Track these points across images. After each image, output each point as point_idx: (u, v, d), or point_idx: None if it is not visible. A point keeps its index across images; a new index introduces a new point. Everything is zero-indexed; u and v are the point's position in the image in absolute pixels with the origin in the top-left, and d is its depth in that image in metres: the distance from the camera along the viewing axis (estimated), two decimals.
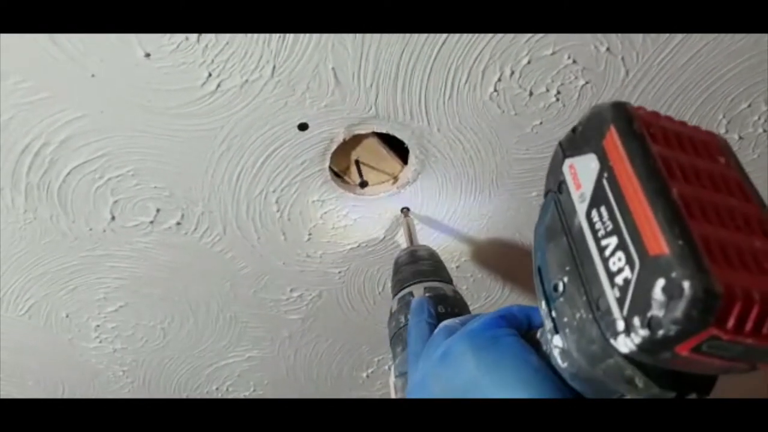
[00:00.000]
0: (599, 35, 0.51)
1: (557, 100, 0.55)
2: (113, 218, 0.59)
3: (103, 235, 0.60)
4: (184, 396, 0.85)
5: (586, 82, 0.54)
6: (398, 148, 0.60)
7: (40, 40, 0.45)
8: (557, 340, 0.28)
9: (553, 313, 0.27)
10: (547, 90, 0.54)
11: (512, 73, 0.52)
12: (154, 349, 0.77)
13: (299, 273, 0.69)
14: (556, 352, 0.28)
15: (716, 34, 0.53)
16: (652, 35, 0.52)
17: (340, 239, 0.65)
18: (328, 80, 0.50)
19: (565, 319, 0.27)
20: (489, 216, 0.66)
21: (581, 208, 0.27)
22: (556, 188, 0.29)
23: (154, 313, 0.71)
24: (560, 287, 0.27)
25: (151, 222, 0.60)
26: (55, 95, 0.48)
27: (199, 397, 0.86)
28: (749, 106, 0.59)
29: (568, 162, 0.28)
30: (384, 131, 0.56)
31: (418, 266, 0.55)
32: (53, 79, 0.47)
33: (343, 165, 0.61)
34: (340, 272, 0.69)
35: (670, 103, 0.58)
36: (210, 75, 0.49)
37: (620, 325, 0.23)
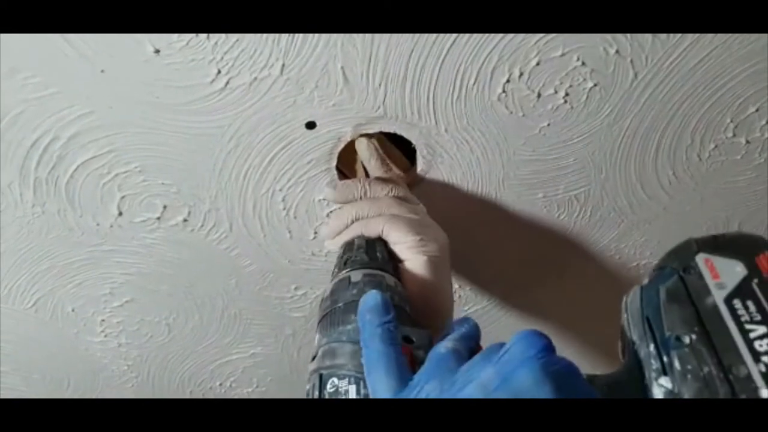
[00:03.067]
0: (608, 38, 0.51)
1: (565, 101, 0.55)
2: (120, 214, 0.59)
3: (110, 231, 0.61)
4: (187, 391, 0.85)
5: (595, 84, 0.54)
6: (405, 149, 0.60)
7: (49, 36, 0.45)
8: (664, 381, 0.34)
9: (667, 359, 0.34)
10: (556, 92, 0.54)
11: (521, 74, 0.52)
12: (159, 345, 0.77)
13: (304, 271, 0.69)
14: (657, 390, 0.34)
15: (725, 38, 0.52)
16: (662, 38, 0.52)
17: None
18: (337, 79, 0.51)
19: (689, 367, 0.33)
20: (495, 218, 0.66)
21: (718, 294, 0.35)
22: (681, 269, 0.38)
23: (160, 308, 0.71)
24: (686, 340, 0.34)
25: (158, 218, 0.60)
26: (64, 91, 0.48)
27: (202, 392, 0.86)
28: (757, 110, 0.59)
29: (703, 256, 0.38)
30: (392, 131, 0.56)
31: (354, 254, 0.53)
32: (62, 74, 0.47)
33: (350, 164, 0.61)
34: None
35: (678, 107, 0.58)
36: (219, 72, 0.49)
37: (764, 393, 0.31)
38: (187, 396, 0.86)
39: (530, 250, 0.72)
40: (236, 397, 0.88)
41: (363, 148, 0.58)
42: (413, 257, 0.54)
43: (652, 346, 0.35)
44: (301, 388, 0.88)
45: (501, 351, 0.35)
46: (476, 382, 0.34)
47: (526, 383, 0.32)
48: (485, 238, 0.69)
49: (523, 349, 0.34)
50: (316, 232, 0.64)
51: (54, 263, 0.63)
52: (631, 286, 0.79)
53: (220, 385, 0.85)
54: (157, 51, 0.47)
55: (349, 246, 0.55)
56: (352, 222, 0.56)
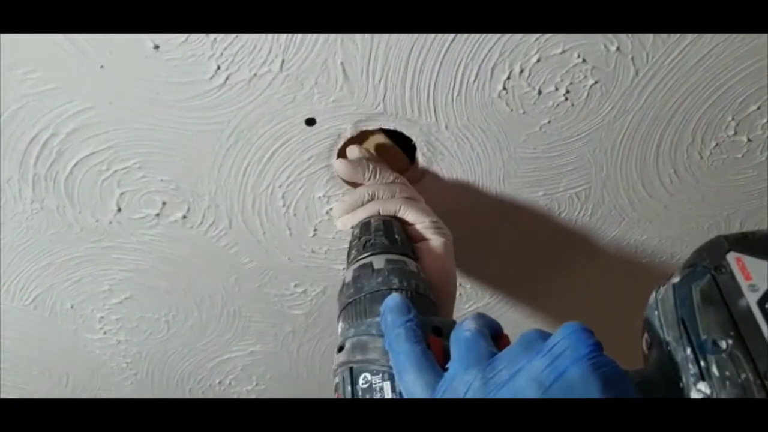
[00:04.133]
0: (609, 35, 0.51)
1: (566, 99, 0.55)
2: (119, 210, 0.59)
3: (109, 227, 0.61)
4: (186, 389, 0.85)
5: (596, 82, 0.54)
6: (405, 146, 0.60)
7: None
8: (703, 386, 0.33)
9: (704, 364, 0.34)
10: (556, 89, 0.54)
11: (521, 71, 0.52)
12: (158, 342, 0.77)
13: (304, 268, 0.69)
14: (695, 395, 0.34)
15: (727, 36, 0.52)
16: (663, 35, 0.51)
17: (345, 235, 0.65)
18: (337, 75, 0.50)
19: (727, 373, 0.33)
20: (495, 215, 0.66)
21: (752, 296, 0.35)
22: (713, 268, 0.37)
23: (159, 305, 0.71)
24: (723, 345, 0.34)
25: (157, 215, 0.60)
26: (63, 86, 0.48)
27: (201, 390, 0.86)
28: (758, 108, 0.59)
29: (734, 255, 0.37)
30: (392, 128, 0.56)
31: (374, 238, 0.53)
32: (62, 70, 0.47)
33: None
34: (344, 268, 0.69)
35: (678, 105, 0.58)
36: (219, 68, 0.48)
37: None
38: (186, 393, 0.86)
39: (531, 248, 0.72)
40: (235, 395, 0.87)
41: (355, 156, 0.58)
42: (433, 237, 0.56)
43: (689, 350, 0.35)
44: (300, 386, 0.89)
45: (548, 342, 0.35)
46: (526, 374, 0.34)
47: (576, 381, 0.33)
48: (485, 235, 0.69)
49: (575, 345, 0.34)
50: (315, 229, 0.64)
51: (53, 260, 0.63)
52: (632, 283, 0.78)
53: (220, 383, 0.85)
54: (157, 47, 0.46)
55: (366, 227, 0.55)
56: (368, 200, 0.57)
